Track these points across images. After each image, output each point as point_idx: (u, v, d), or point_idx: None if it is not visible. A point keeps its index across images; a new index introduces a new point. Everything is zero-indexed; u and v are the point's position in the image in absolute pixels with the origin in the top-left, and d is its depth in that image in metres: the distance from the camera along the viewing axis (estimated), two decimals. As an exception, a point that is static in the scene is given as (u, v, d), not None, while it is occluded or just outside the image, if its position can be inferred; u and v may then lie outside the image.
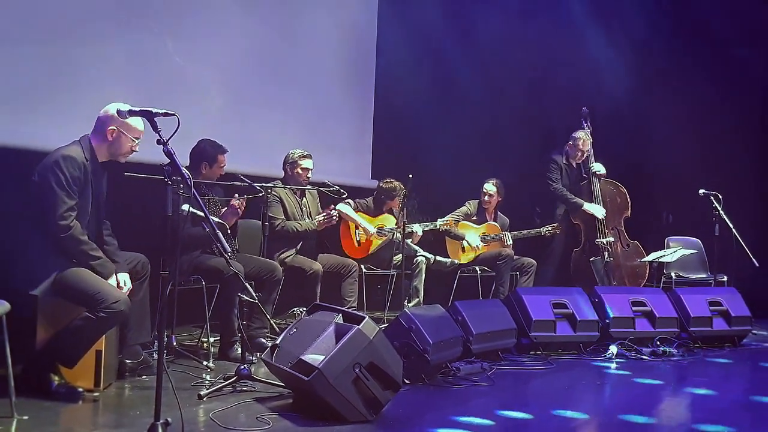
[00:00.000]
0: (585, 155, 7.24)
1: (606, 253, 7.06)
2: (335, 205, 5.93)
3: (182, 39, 5.84)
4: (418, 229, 6.42)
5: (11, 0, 4.76)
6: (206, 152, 4.98)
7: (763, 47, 8.27)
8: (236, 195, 4.93)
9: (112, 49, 5.27)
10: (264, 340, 4.99)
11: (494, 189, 6.93)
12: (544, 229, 6.94)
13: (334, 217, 5.75)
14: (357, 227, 6.32)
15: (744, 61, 8.23)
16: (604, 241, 7.08)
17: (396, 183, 6.44)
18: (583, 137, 7.17)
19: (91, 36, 5.15)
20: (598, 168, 7.23)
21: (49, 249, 3.73)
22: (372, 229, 6.33)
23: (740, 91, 8.23)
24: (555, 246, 7.15)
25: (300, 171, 5.69)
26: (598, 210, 7.08)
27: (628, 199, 7.25)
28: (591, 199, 7.14)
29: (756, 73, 8.34)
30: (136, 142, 3.90)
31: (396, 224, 6.42)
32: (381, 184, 6.56)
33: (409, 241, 6.29)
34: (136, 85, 5.31)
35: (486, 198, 6.94)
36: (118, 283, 3.89)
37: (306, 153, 5.74)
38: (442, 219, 6.58)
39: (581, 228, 7.21)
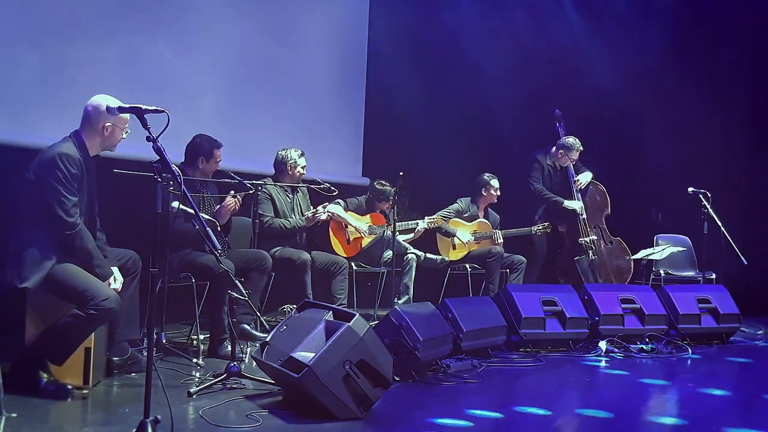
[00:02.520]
0: (573, 162, 7.24)
1: (590, 251, 7.07)
2: (327, 204, 5.93)
3: (175, 39, 5.85)
4: (422, 224, 6.43)
5: (6, 2, 4.75)
6: (203, 147, 5.00)
7: (751, 47, 8.31)
8: (232, 192, 4.94)
9: (106, 49, 5.28)
10: (248, 326, 4.99)
11: (498, 184, 6.95)
12: (534, 228, 6.96)
13: (323, 215, 5.79)
14: (348, 226, 6.32)
15: (732, 60, 8.27)
16: (587, 239, 7.10)
17: (388, 187, 6.44)
18: (577, 146, 7.12)
19: (85, 36, 5.16)
20: (584, 179, 7.21)
21: (42, 245, 3.70)
22: (364, 227, 6.34)
23: (729, 90, 8.27)
24: (538, 246, 7.16)
25: (300, 170, 5.75)
26: (576, 204, 7.09)
27: (608, 197, 7.25)
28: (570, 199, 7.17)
29: (744, 73, 8.38)
30: (126, 131, 3.91)
31: (387, 222, 6.43)
32: (375, 185, 6.56)
33: (401, 237, 6.30)
34: (130, 85, 5.32)
35: (492, 192, 6.95)
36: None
37: (302, 152, 5.81)
38: (430, 217, 6.59)
39: (564, 228, 7.22)
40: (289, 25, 6.99)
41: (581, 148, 7.15)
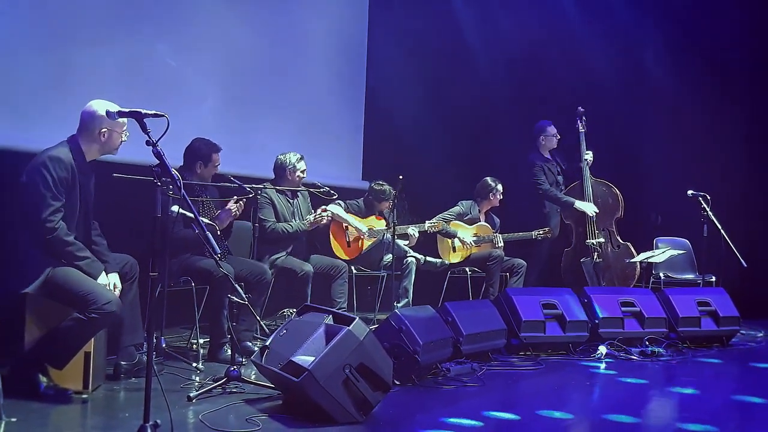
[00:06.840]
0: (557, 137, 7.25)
1: (596, 254, 7.05)
2: (326, 206, 5.94)
3: (175, 43, 5.87)
4: (413, 231, 6.42)
5: (8, 6, 4.77)
6: (201, 151, 4.99)
7: (750, 50, 8.31)
8: (234, 198, 4.93)
9: (106, 54, 5.30)
10: (250, 344, 4.96)
11: (502, 188, 6.97)
12: (535, 233, 6.92)
13: (325, 218, 5.79)
14: (348, 227, 6.32)
15: (733, 62, 8.27)
16: (594, 242, 7.07)
17: (387, 186, 6.44)
18: (546, 125, 7.18)
19: (86, 41, 5.18)
20: (589, 156, 7.21)
21: (38, 249, 3.71)
22: (364, 229, 6.34)
23: (728, 93, 8.27)
24: (543, 246, 7.15)
25: (300, 174, 5.74)
26: (588, 207, 7.06)
27: (620, 200, 7.21)
28: (582, 199, 7.13)
29: (744, 74, 8.38)
30: (125, 134, 3.91)
31: (386, 225, 6.43)
32: (373, 186, 6.57)
33: (400, 242, 6.30)
34: (131, 88, 5.33)
35: (498, 197, 6.96)
36: (107, 283, 3.88)
37: (301, 156, 5.78)
38: (431, 221, 6.58)
39: (572, 228, 7.21)
40: (288, 29, 7.00)
41: (550, 123, 7.17)
